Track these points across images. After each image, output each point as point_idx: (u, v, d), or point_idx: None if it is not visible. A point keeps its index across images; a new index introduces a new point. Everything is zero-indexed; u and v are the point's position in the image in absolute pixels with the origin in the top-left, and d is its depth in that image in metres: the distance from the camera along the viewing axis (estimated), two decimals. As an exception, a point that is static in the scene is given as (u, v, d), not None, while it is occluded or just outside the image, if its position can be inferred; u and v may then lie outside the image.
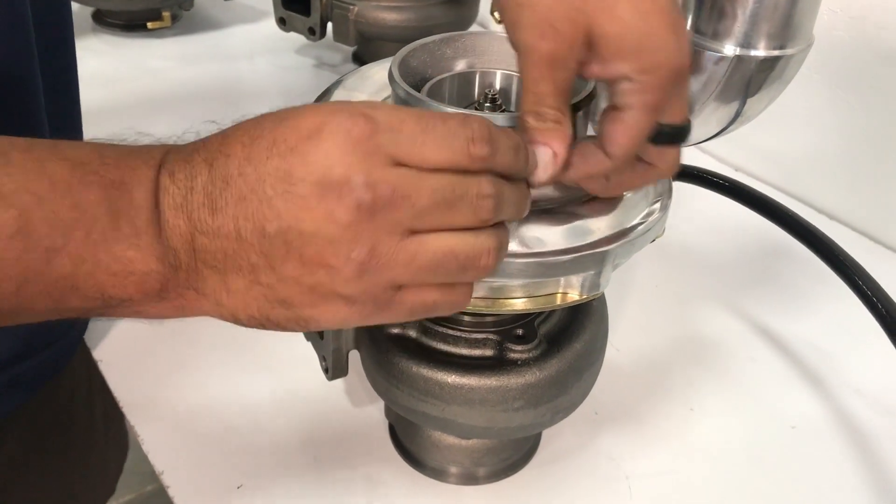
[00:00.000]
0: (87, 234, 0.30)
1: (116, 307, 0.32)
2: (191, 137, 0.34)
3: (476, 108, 0.45)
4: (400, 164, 0.31)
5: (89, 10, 1.20)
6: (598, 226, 0.40)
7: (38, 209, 0.30)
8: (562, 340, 0.48)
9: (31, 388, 0.60)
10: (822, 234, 0.56)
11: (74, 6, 1.15)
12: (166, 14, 1.18)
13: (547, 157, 0.36)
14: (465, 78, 0.48)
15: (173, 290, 0.33)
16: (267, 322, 0.34)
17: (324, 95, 0.48)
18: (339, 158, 0.30)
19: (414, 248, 0.32)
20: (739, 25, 0.44)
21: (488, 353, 0.47)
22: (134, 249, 0.31)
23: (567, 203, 0.41)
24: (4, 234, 0.29)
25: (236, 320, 0.34)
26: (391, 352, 0.47)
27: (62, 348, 0.62)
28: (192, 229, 0.32)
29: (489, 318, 0.47)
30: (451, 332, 0.48)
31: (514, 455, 0.56)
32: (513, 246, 0.38)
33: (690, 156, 0.92)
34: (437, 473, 0.56)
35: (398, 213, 0.31)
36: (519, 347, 0.46)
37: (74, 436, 0.67)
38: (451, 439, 0.53)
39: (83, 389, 0.66)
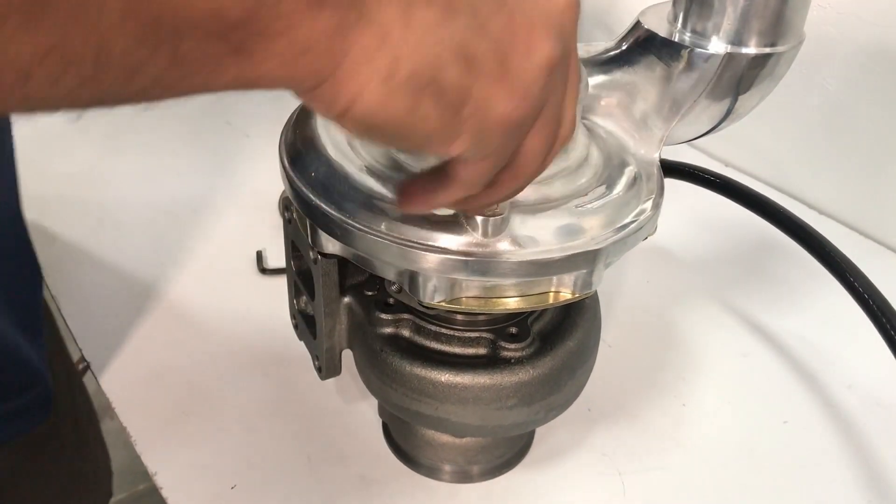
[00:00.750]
0: None
1: (265, 17, 0.23)
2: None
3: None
4: None
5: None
6: (591, 224, 0.40)
7: None
8: (555, 338, 0.48)
9: (37, 419, 0.61)
10: (813, 230, 0.56)
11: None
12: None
13: None
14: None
15: None
16: (428, 85, 0.27)
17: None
18: None
19: (567, 89, 0.32)
20: (730, 23, 0.44)
21: (481, 351, 0.47)
22: None
23: (560, 202, 0.41)
24: None
25: (392, 74, 0.26)
26: (384, 351, 0.47)
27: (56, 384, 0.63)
28: None
29: (482, 317, 0.47)
30: (444, 330, 0.48)
31: (507, 453, 0.56)
32: (505, 245, 0.38)
33: (681, 152, 0.92)
34: (431, 472, 0.56)
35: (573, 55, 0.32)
36: (512, 346, 0.46)
37: (64, 439, 0.67)
38: (444, 437, 0.53)
39: (66, 394, 0.66)
